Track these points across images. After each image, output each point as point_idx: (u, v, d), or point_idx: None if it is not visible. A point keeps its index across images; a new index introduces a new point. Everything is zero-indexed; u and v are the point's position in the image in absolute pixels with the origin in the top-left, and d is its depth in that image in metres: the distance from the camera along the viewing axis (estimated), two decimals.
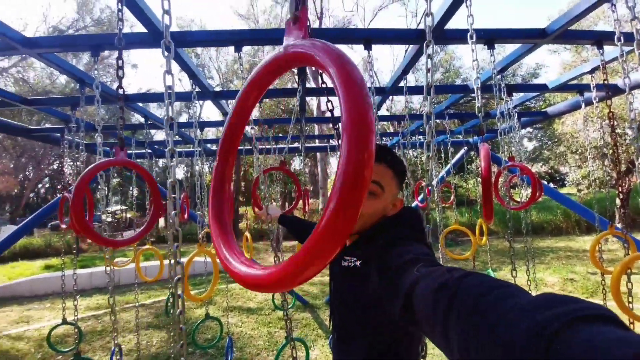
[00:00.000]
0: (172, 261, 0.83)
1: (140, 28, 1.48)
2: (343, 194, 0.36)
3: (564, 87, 2.51)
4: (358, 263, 0.76)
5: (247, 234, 3.44)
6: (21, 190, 18.24)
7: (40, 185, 21.28)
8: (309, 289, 6.41)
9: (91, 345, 4.14)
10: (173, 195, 0.86)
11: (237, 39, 1.52)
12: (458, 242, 10.98)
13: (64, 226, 2.75)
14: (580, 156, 11.55)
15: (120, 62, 1.14)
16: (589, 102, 2.59)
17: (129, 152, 4.12)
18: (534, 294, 0.39)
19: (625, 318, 1.92)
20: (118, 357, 2.99)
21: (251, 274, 0.46)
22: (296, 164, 17.33)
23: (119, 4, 1.25)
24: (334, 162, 14.11)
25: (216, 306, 5.52)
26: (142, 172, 1.31)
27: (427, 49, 0.93)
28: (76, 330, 2.17)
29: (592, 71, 2.11)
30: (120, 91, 1.26)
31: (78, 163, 3.05)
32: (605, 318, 0.29)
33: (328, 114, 1.30)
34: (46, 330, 4.10)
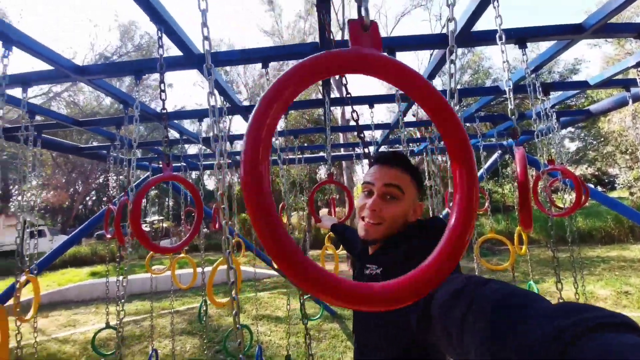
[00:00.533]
0: (226, 266, 0.91)
1: (173, 51, 1.60)
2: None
3: (607, 83, 2.34)
4: (379, 271, 0.76)
5: None
6: (71, 203, 19.93)
7: (87, 198, 23.11)
8: None
9: (130, 349, 4.37)
10: (223, 206, 0.93)
11: (263, 56, 1.60)
12: (495, 251, 10.37)
13: (108, 236, 2.96)
14: (631, 156, 10.56)
15: (162, 85, 1.24)
16: (636, 98, 2.39)
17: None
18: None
19: None
20: None
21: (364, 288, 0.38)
22: (321, 172, 17.43)
23: (159, 32, 1.36)
24: (359, 170, 14.02)
25: (246, 314, 5.62)
26: (188, 186, 1.42)
27: (451, 55, 0.91)
28: (119, 334, 2.30)
29: (638, 65, 1.95)
30: (163, 111, 1.36)
31: (121, 177, 3.30)
32: (625, 326, 0.29)
33: (352, 123, 1.32)
34: (91, 333, 4.39)
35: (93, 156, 3.73)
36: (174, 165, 4.07)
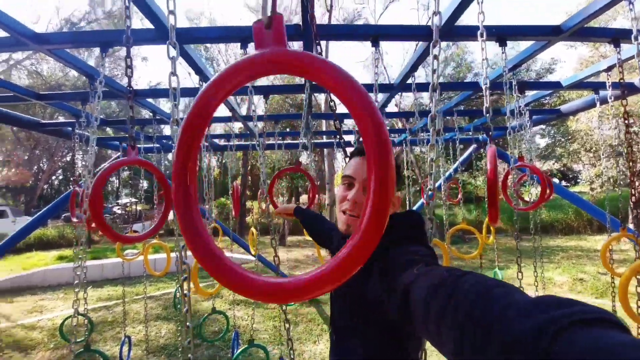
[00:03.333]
0: (179, 261, 0.86)
1: (149, 23, 1.49)
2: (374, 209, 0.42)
3: (578, 85, 2.44)
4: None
5: (253, 229, 3.47)
6: (35, 182, 18.73)
7: (54, 177, 21.79)
8: None
9: (102, 336, 4.26)
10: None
11: (242, 36, 1.52)
12: (466, 239, 10.88)
13: (75, 220, 2.81)
14: (595, 154, 11.26)
15: (129, 60, 1.15)
16: (604, 101, 2.51)
17: (137, 146, 4.19)
18: (540, 293, 0.38)
19: (629, 321, 1.87)
20: (128, 348, 3.09)
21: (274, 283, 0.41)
22: (302, 159, 17.34)
23: (126, 0, 1.25)
24: (340, 157, 14.05)
25: (223, 299, 5.61)
26: (154, 170, 1.33)
27: (434, 49, 0.91)
28: (86, 321, 2.23)
29: (609, 69, 2.04)
30: (130, 88, 1.27)
31: (87, 157, 3.11)
32: (608, 322, 0.29)
33: (338, 109, 1.30)
34: (59, 320, 4.24)
35: (56, 133, 3.48)
36: (148, 146, 3.88)
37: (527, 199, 3.27)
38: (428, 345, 0.66)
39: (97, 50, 15.94)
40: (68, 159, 19.05)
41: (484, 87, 1.32)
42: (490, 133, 1.34)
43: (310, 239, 3.42)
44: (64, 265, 7.48)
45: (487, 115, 1.31)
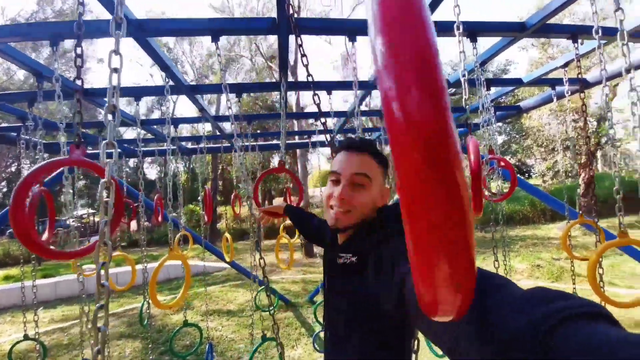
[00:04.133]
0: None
1: (106, 16, 1.35)
2: None
3: (537, 82, 2.60)
4: (354, 259, 0.76)
5: (227, 234, 3.32)
6: None
7: None
8: (290, 288, 6.35)
9: None
10: (105, 200, 0.66)
11: (214, 27, 1.41)
12: None
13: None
14: (546, 149, 12.24)
15: (79, 49, 1.01)
16: (560, 96, 2.70)
17: (96, 151, 3.84)
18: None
19: (597, 300, 2.03)
20: None
21: None
22: (275, 161, 17.12)
23: None
24: (313, 159, 14.05)
25: (194, 311, 5.33)
26: (100, 173, 1.14)
27: None
28: (37, 346, 1.98)
29: (565, 65, 2.19)
30: (79, 82, 1.12)
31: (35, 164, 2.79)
32: (599, 315, 0.29)
33: (307, 110, 1.24)
34: (7, 345, 3.77)
35: (0, 139, 3.09)
36: (107, 151, 3.57)
37: (494, 191, 3.44)
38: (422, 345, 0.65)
39: (44, 52, 14.68)
40: (13, 169, 17.23)
41: (462, 80, 1.34)
42: (469, 123, 1.36)
43: (287, 242, 3.35)
44: (10, 286, 6.73)
45: (467, 107, 1.32)
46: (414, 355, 0.76)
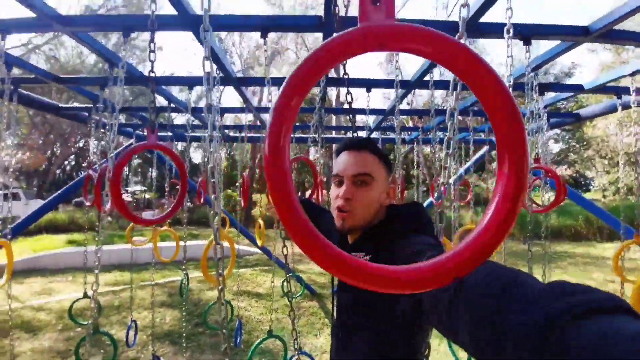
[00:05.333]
0: (215, 244, 0.91)
1: (168, 10, 1.49)
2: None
3: (600, 89, 2.37)
4: (368, 258, 0.75)
5: (260, 220, 3.48)
6: (48, 167, 19.11)
7: (66, 163, 22.20)
8: (317, 279, 6.48)
9: (108, 319, 4.35)
10: (213, 180, 0.92)
11: (264, 24, 1.51)
12: None
13: (87, 203, 2.86)
14: (609, 161, 11.00)
15: (152, 45, 1.15)
16: (626, 106, 2.44)
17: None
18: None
19: None
20: (134, 332, 3.16)
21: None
22: (311, 154, 17.31)
23: None
24: None
25: (227, 290, 5.68)
26: (173, 156, 1.33)
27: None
28: (94, 305, 2.27)
29: (633, 74, 1.98)
30: (152, 75, 1.27)
31: (103, 142, 3.15)
32: (620, 309, 0.28)
33: (346, 105, 1.28)
34: (67, 302, 4.35)
35: (73, 117, 3.53)
36: (159, 134, 3.91)
37: (539, 202, 3.22)
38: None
39: (113, 39, 16.17)
40: (81, 145, 19.37)
41: (507, 85, 1.29)
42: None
43: None
44: (73, 249, 7.63)
45: (521, 106, 1.28)
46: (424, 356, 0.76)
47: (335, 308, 0.90)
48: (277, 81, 2.27)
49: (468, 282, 0.42)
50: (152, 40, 1.15)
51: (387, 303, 0.68)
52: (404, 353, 0.70)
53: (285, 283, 4.59)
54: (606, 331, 0.25)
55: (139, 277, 6.11)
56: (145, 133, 3.78)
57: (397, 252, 0.67)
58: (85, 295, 2.96)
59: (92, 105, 2.98)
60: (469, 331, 0.38)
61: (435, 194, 4.24)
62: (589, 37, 1.56)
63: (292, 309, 1.41)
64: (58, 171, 21.14)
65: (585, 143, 12.96)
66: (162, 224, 3.22)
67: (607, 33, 1.51)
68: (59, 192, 3.75)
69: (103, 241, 1.84)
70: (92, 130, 2.98)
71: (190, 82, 2.46)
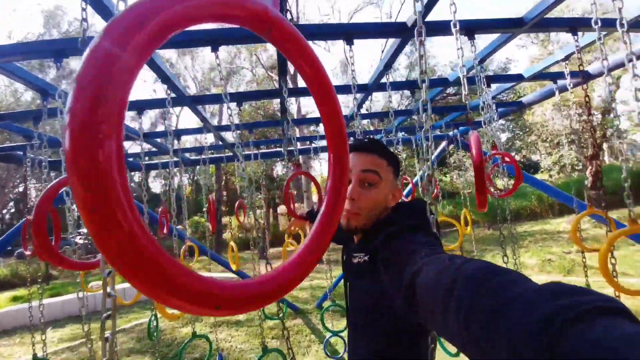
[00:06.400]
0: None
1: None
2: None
3: (538, 76, 2.59)
4: (367, 258, 0.76)
5: (233, 243, 3.30)
6: None
7: (5, 211, 19.86)
8: (299, 295, 6.29)
9: None
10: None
11: (214, 37, 1.43)
12: (442, 234, 11.19)
13: (27, 253, 2.52)
14: (550, 144, 12.15)
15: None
16: (562, 90, 2.68)
17: None
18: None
19: (612, 291, 1.97)
20: None
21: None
22: (278, 169, 17.14)
23: (83, 2, 1.13)
24: (316, 165, 14.08)
25: (203, 323, 5.29)
26: None
27: (420, 36, 0.89)
28: None
29: (566, 58, 2.17)
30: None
31: (43, 183, 2.83)
32: (616, 311, 0.28)
33: (309, 116, 1.25)
34: None
35: (6, 159, 3.14)
36: None
37: (500, 187, 3.41)
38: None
39: (51, 73, 15.01)
40: (21, 189, 17.46)
41: (461, 76, 1.33)
42: (470, 116, 1.35)
43: (294, 249, 3.32)
44: (18, 307, 6.74)
45: (467, 103, 1.32)
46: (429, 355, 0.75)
47: (347, 310, 0.90)
48: (235, 97, 2.18)
49: (460, 282, 0.41)
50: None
51: (384, 303, 0.68)
52: (408, 353, 0.70)
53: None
54: (603, 335, 0.25)
55: (99, 326, 5.45)
56: None
57: (394, 251, 0.66)
58: (35, 358, 2.57)
59: (26, 143, 2.67)
60: (463, 333, 0.37)
61: (405, 191, 4.35)
62: (524, 27, 1.68)
63: (285, 327, 1.33)
64: None
65: (527, 129, 14.24)
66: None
67: (540, 22, 1.64)
68: None
69: (54, 292, 1.58)
70: (28, 171, 2.66)
71: (139, 106, 2.29)
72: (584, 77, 1.85)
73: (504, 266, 0.44)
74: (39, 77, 1.95)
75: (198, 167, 4.32)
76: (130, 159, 3.75)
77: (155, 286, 0.26)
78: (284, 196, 1.90)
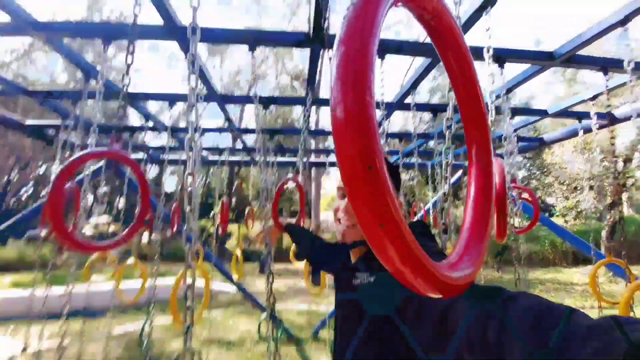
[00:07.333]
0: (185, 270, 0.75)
1: (151, 20, 1.45)
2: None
3: (563, 113, 2.57)
4: (372, 279, 0.70)
5: (238, 252, 3.25)
6: (2, 195, 17.48)
7: (23, 190, 20.43)
8: (294, 319, 5.90)
9: None
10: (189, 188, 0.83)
11: (252, 37, 1.51)
12: None
13: (43, 233, 2.55)
14: (568, 187, 11.84)
15: (132, 47, 1.09)
16: (587, 130, 2.65)
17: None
18: None
19: None
20: None
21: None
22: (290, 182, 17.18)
23: None
24: (327, 183, 14.06)
25: (195, 338, 5.00)
26: (133, 166, 1.15)
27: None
28: None
29: (594, 98, 2.17)
30: (127, 80, 1.19)
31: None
32: None
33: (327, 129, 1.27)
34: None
35: (39, 135, 3.24)
36: (137, 157, 3.69)
37: (516, 224, 3.32)
38: None
39: (88, 57, 15.85)
40: (42, 172, 18.03)
41: (488, 102, 1.34)
42: (495, 145, 1.34)
43: (294, 266, 3.19)
44: (19, 293, 6.48)
45: (492, 129, 1.32)
46: None
47: (336, 338, 0.82)
48: (263, 99, 2.25)
49: (512, 322, 0.39)
50: (131, 42, 1.08)
51: (391, 339, 0.62)
52: None
53: (262, 325, 4.07)
54: None
55: (93, 325, 4.89)
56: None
57: None
58: (25, 351, 2.49)
59: (60, 123, 2.77)
60: None
61: (415, 219, 4.28)
62: (555, 61, 1.70)
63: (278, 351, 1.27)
64: (13, 200, 19.36)
65: (545, 169, 13.94)
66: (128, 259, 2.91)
67: (571, 58, 1.66)
68: (8, 222, 3.33)
69: (57, 282, 1.54)
70: (57, 152, 2.73)
71: (171, 98, 2.37)
72: (610, 119, 1.83)
73: None
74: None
75: (212, 169, 4.38)
76: (151, 152, 3.85)
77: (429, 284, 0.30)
78: (272, 208, 1.82)
